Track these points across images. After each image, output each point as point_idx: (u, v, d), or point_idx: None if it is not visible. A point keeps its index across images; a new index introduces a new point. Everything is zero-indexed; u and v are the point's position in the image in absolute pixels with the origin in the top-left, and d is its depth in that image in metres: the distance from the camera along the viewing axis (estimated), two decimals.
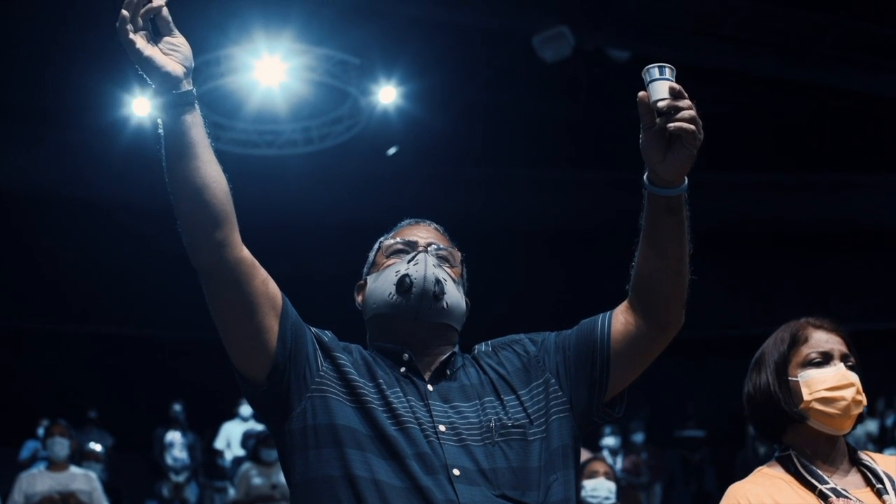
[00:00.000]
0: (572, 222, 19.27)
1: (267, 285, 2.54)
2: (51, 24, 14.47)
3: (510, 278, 17.27)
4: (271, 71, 15.18)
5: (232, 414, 15.34)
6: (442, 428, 2.51)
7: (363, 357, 2.64)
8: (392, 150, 18.44)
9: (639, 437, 16.42)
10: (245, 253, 2.50)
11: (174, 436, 15.04)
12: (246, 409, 15.14)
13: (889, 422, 15.76)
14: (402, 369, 2.63)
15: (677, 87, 2.43)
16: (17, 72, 15.54)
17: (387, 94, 16.15)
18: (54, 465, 9.71)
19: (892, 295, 19.15)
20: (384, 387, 2.55)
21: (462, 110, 16.94)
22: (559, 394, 2.63)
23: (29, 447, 14.31)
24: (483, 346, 2.78)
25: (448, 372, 2.65)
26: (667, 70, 2.45)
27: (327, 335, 2.65)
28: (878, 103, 16.87)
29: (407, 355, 2.64)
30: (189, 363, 17.70)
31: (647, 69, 2.46)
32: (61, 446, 9.68)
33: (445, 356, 2.66)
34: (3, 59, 15.18)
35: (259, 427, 14.40)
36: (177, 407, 15.36)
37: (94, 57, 14.94)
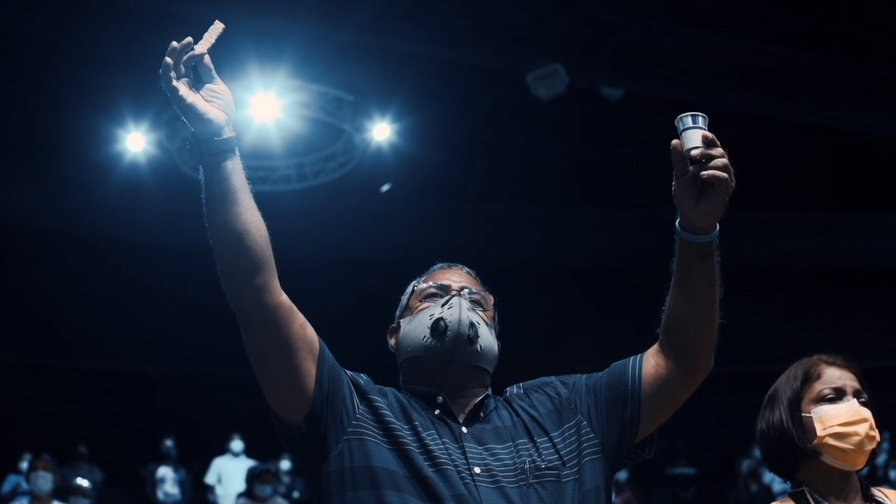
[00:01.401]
0: (567, 260, 19.30)
1: (305, 329, 2.56)
2: (44, 59, 14.49)
3: (505, 316, 17.29)
4: (266, 107, 15.19)
5: (222, 449, 15.28)
6: (477, 470, 2.53)
7: (398, 400, 2.66)
8: (385, 187, 18.48)
9: (622, 475, 16.43)
10: (283, 298, 2.53)
11: (166, 471, 15.01)
12: (237, 445, 15.09)
13: (880, 460, 15.76)
14: (437, 412, 2.65)
15: (710, 135, 2.47)
16: (10, 107, 15.55)
17: (381, 131, 16.17)
18: (37, 499, 9.66)
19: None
20: (420, 429, 2.58)
21: (456, 147, 16.99)
22: (591, 436, 2.66)
23: (11, 481, 14.27)
24: (515, 389, 2.81)
25: (482, 414, 2.68)
26: (700, 118, 2.48)
27: (363, 378, 2.68)
28: (872, 142, 16.96)
29: (441, 398, 2.66)
30: (179, 398, 17.68)
31: (681, 117, 2.49)
32: (45, 480, 9.63)
33: (479, 399, 2.69)
34: None
35: (252, 462, 14.38)
36: (168, 442, 15.32)
37: (88, 92, 14.97)
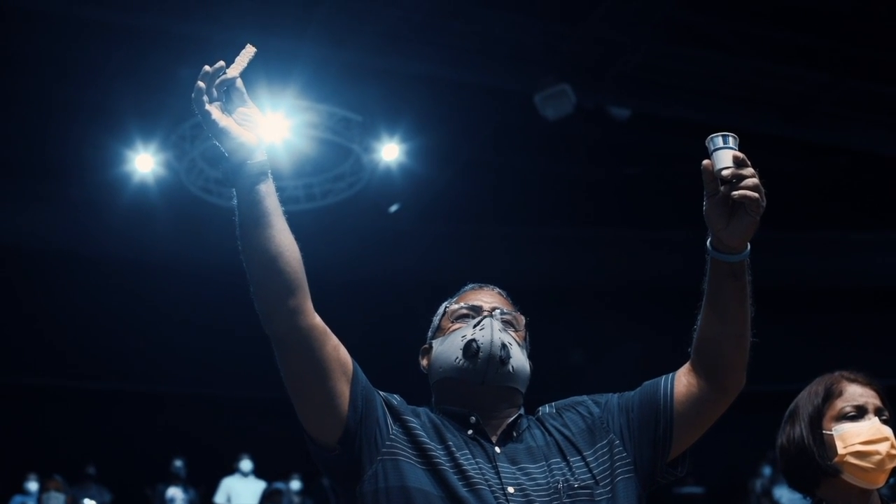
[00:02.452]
0: (575, 280, 19.28)
1: (338, 351, 2.58)
2: (52, 80, 14.51)
3: None
4: (274, 127, 15.17)
5: (231, 469, 15.28)
6: (511, 490, 2.54)
7: (431, 420, 2.67)
8: (394, 208, 18.46)
9: None
10: (317, 320, 2.54)
11: (175, 491, 15.00)
12: (246, 465, 15.09)
13: (893, 480, 15.71)
14: (470, 432, 2.66)
15: (741, 155, 2.48)
16: (18, 128, 15.57)
17: (389, 152, 16.16)
18: None
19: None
20: (454, 449, 2.59)
21: (464, 168, 16.97)
22: (623, 455, 2.68)
23: (16, 502, 14.27)
24: (547, 408, 2.82)
25: (514, 434, 2.69)
26: (730, 139, 2.51)
27: (396, 399, 2.69)
28: (878, 161, 16.96)
29: (474, 418, 2.67)
30: (188, 418, 17.67)
31: (711, 138, 2.51)
32: (57, 501, 9.67)
33: (512, 419, 2.70)
34: (5, 116, 15.21)
35: (261, 482, 14.40)
36: (178, 463, 15.31)
37: (97, 113, 14.99)
